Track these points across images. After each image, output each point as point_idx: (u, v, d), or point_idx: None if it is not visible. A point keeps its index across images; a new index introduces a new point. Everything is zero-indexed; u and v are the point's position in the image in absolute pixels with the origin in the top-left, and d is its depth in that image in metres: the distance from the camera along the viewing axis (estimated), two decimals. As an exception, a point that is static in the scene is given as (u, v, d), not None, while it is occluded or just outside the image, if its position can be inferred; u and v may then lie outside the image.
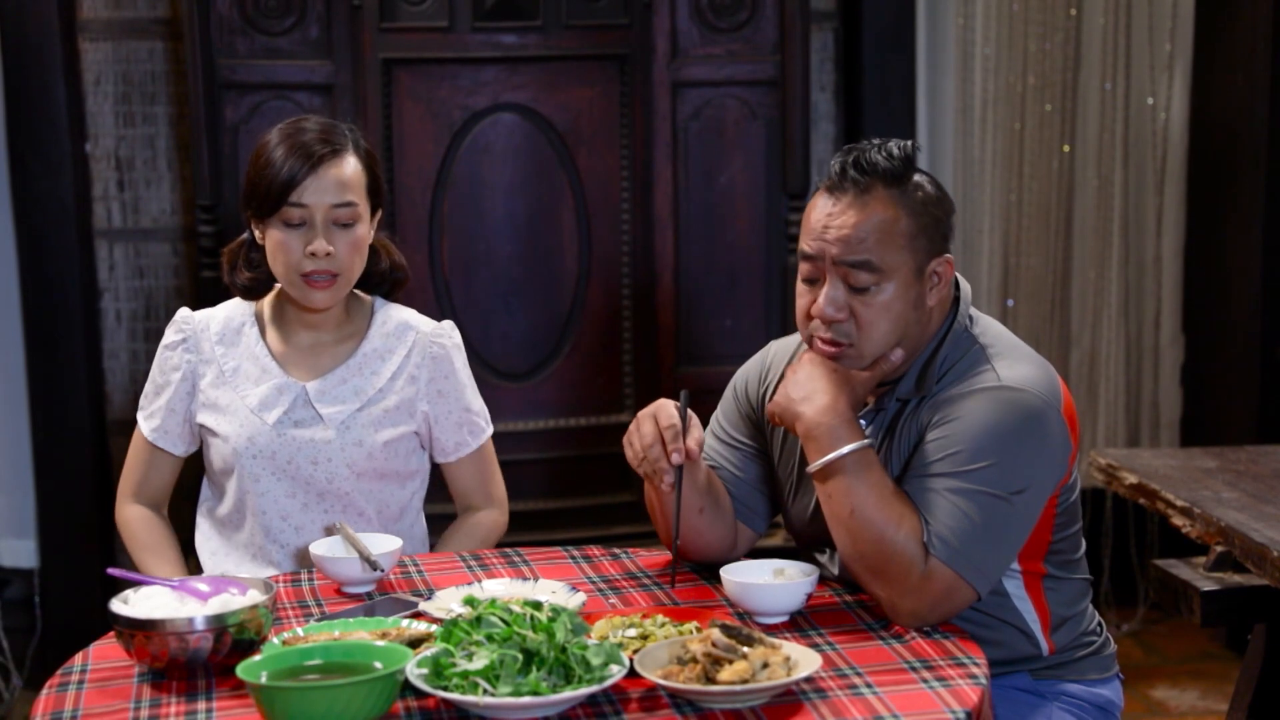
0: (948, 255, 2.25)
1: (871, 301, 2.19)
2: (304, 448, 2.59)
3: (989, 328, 2.30)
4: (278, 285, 2.64)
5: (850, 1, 4.50)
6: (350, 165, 2.56)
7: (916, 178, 2.23)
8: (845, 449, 2.16)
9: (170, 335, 2.67)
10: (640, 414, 2.30)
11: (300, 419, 2.60)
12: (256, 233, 2.60)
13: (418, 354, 2.66)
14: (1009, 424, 2.14)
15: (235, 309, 2.69)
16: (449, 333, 2.70)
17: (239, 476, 2.61)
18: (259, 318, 2.68)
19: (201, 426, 2.64)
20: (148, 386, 2.70)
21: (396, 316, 2.69)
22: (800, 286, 2.26)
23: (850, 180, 2.20)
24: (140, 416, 2.69)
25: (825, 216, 2.21)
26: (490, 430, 2.75)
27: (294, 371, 2.63)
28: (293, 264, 2.54)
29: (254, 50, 3.97)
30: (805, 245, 2.23)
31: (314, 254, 2.52)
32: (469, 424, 2.70)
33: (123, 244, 4.41)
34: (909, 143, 2.23)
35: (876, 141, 2.23)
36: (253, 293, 2.67)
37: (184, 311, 2.70)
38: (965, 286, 2.31)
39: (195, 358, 2.64)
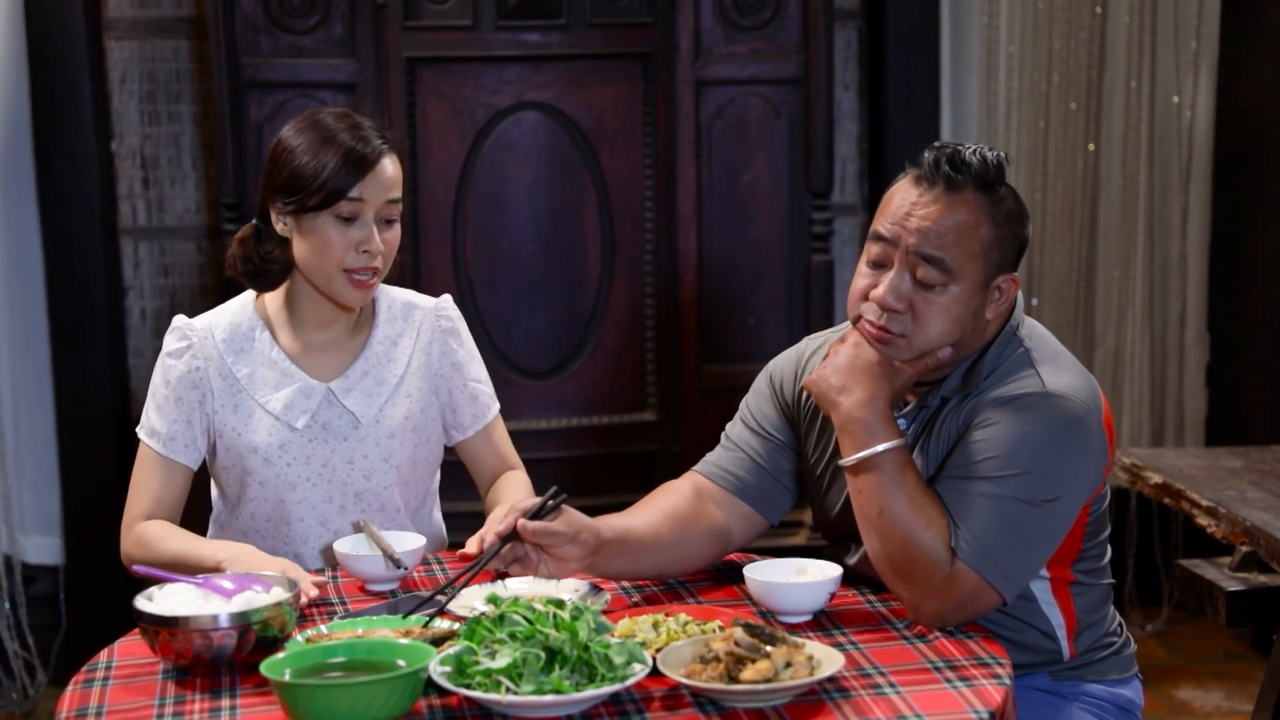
0: (1014, 274, 2.22)
1: (934, 300, 2.17)
2: (338, 448, 2.55)
3: (1034, 331, 2.28)
4: (285, 284, 2.57)
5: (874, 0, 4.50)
6: (395, 162, 2.51)
7: (1002, 189, 2.21)
8: (879, 447, 2.14)
9: (172, 343, 2.55)
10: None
11: (328, 420, 2.55)
12: (279, 224, 2.50)
13: (427, 330, 2.64)
14: (1050, 431, 2.13)
15: (238, 314, 2.58)
16: (450, 306, 2.69)
17: (272, 485, 2.55)
18: (266, 321, 2.58)
19: (220, 436, 2.55)
20: (149, 402, 2.56)
21: (399, 298, 2.66)
22: (862, 267, 2.23)
23: (943, 175, 2.17)
24: (145, 434, 2.56)
25: (910, 204, 2.18)
26: (498, 404, 2.72)
27: (314, 372, 2.57)
28: (339, 260, 2.46)
29: (278, 49, 3.98)
30: (881, 227, 2.20)
31: (367, 251, 2.46)
32: (481, 395, 2.68)
33: (147, 242, 4.44)
34: (1002, 153, 2.21)
35: (969, 145, 2.21)
36: (269, 284, 2.56)
37: (181, 319, 2.57)
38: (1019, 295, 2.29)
39: (204, 364, 2.54)
